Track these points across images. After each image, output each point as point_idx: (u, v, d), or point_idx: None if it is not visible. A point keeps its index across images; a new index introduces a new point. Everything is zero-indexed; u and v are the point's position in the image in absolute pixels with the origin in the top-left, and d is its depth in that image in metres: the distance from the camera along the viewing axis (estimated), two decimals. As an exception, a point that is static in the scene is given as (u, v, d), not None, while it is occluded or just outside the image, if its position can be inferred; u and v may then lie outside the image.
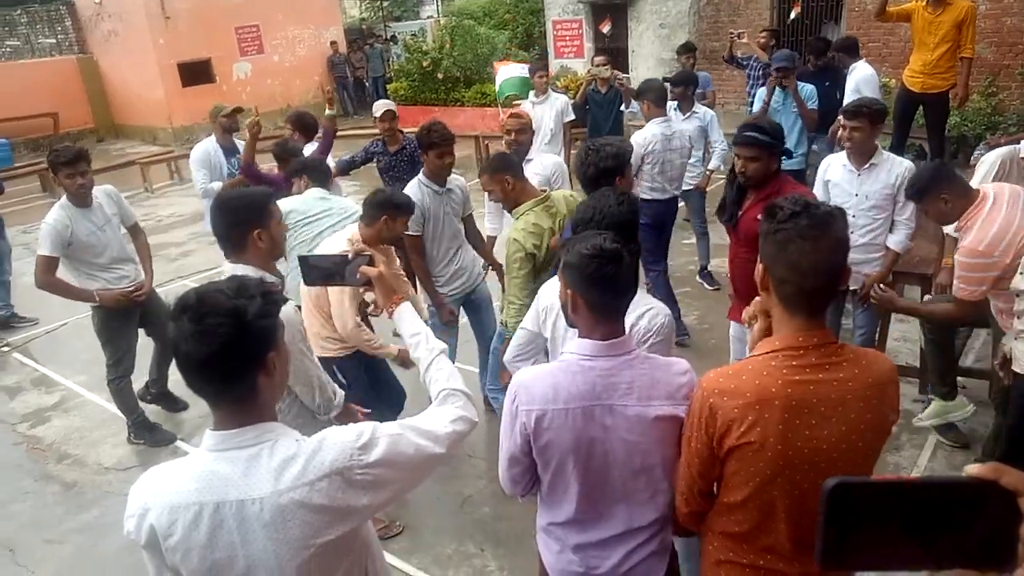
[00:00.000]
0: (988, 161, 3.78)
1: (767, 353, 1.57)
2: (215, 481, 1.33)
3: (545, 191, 3.64)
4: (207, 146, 5.50)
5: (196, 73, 15.28)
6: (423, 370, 1.76)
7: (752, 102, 7.29)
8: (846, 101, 6.15)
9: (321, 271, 2.02)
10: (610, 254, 1.71)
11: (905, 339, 4.82)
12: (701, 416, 1.60)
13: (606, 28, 12.02)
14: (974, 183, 3.61)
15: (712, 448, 1.60)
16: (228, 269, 2.45)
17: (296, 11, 16.88)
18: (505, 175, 3.37)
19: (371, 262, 1.92)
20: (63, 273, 4.14)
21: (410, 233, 3.88)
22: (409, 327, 1.83)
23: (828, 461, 1.53)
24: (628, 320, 1.93)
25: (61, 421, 4.96)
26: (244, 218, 2.43)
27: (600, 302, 1.73)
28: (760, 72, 7.21)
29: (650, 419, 1.74)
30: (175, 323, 1.31)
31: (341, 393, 2.75)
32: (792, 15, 9.76)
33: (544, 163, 4.53)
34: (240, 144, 5.64)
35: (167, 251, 8.44)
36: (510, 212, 3.45)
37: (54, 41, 17.10)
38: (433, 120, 4.15)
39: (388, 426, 1.48)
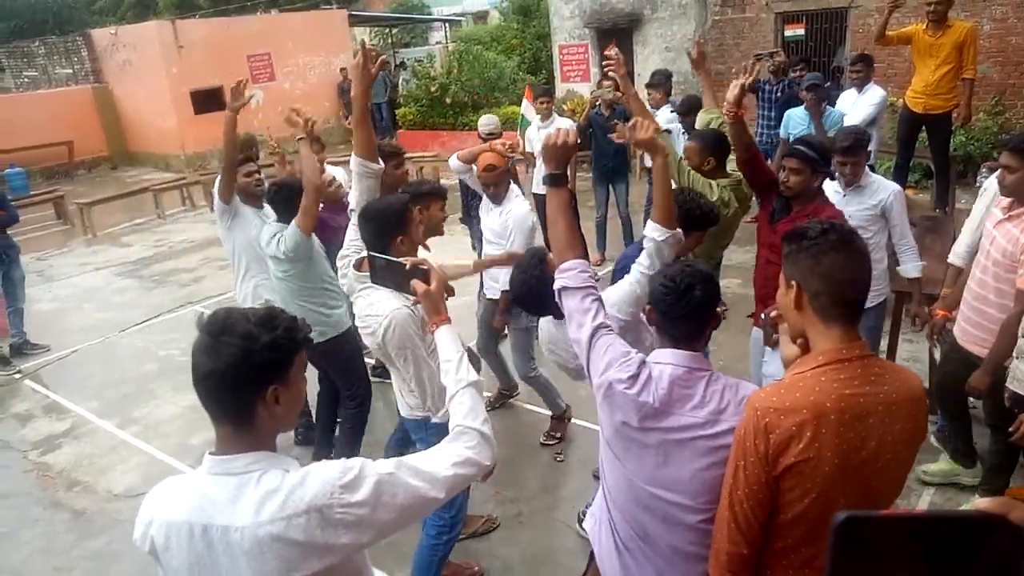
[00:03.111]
0: (992, 188, 3.74)
1: (814, 368, 1.59)
2: (206, 504, 1.37)
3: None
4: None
5: (208, 100, 15.51)
6: (447, 400, 1.74)
7: (761, 125, 7.28)
8: (854, 122, 6.18)
9: (383, 273, 2.04)
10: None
11: (915, 359, 4.79)
12: (756, 437, 1.59)
13: (612, 52, 12.15)
14: (979, 208, 3.61)
15: (767, 469, 1.58)
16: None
17: (307, 39, 17.17)
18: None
19: (426, 277, 1.87)
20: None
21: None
22: (445, 351, 1.80)
23: (874, 472, 1.57)
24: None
25: (71, 448, 4.99)
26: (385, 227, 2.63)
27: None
28: (778, 94, 7.15)
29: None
30: (199, 333, 1.38)
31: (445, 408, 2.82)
32: (788, 34, 9.83)
33: (514, 214, 4.18)
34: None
35: (179, 277, 8.54)
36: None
37: (70, 71, 17.45)
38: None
39: (381, 464, 1.46)
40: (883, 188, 3.74)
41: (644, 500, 1.93)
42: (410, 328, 2.69)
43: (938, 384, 3.64)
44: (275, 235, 3.85)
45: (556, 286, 2.05)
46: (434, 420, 2.86)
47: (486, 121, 6.23)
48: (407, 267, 1.89)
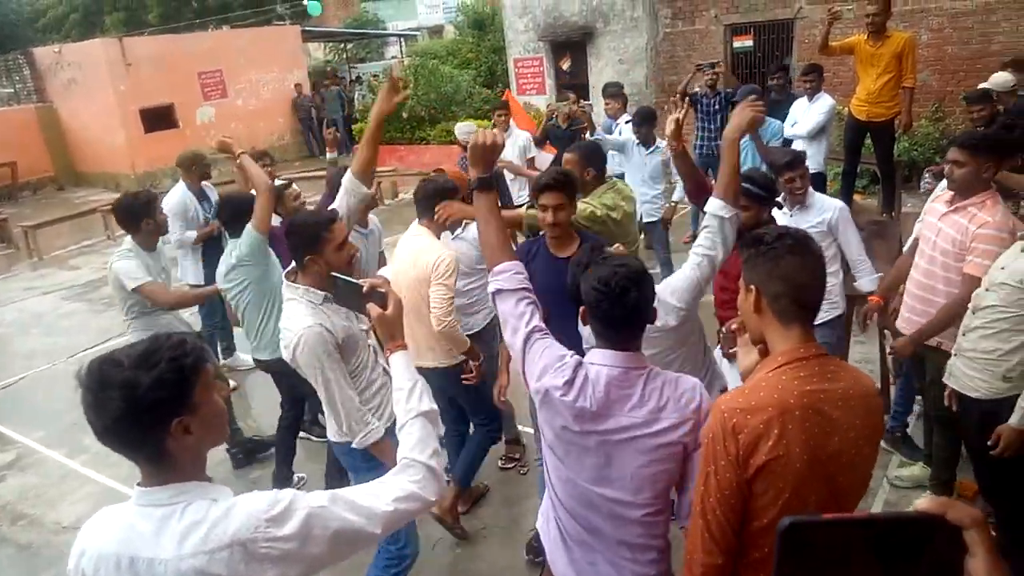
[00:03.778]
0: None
1: (775, 368, 1.62)
2: (133, 535, 1.34)
3: None
4: (181, 196, 5.44)
5: (158, 119, 15.21)
6: (397, 429, 1.68)
7: (701, 137, 7.35)
8: (806, 130, 6.33)
9: (342, 293, 2.02)
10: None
11: (866, 360, 4.90)
12: (725, 439, 1.58)
13: (565, 65, 12.29)
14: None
15: (738, 471, 1.58)
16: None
17: (260, 55, 16.96)
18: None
19: (383, 301, 1.81)
20: None
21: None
22: (398, 379, 1.75)
23: (840, 468, 1.59)
24: None
25: (16, 480, 4.79)
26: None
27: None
28: (716, 107, 7.26)
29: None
30: (81, 390, 1.32)
31: (376, 424, 2.74)
32: (737, 45, 10.06)
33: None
34: (208, 188, 5.64)
35: (129, 299, 8.31)
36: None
37: (12, 91, 16.95)
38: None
39: (314, 496, 1.40)
40: (827, 206, 3.81)
41: (588, 498, 1.93)
42: (319, 349, 2.59)
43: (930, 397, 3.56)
44: (230, 251, 3.76)
45: (490, 289, 2.04)
46: (354, 445, 2.73)
47: (465, 128, 6.24)
48: (364, 289, 1.85)
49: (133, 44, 15.37)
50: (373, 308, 1.80)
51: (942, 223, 3.20)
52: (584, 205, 3.51)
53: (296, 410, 4.23)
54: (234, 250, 3.77)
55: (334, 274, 2.11)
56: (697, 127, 7.38)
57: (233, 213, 3.83)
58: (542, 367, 1.90)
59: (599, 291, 1.83)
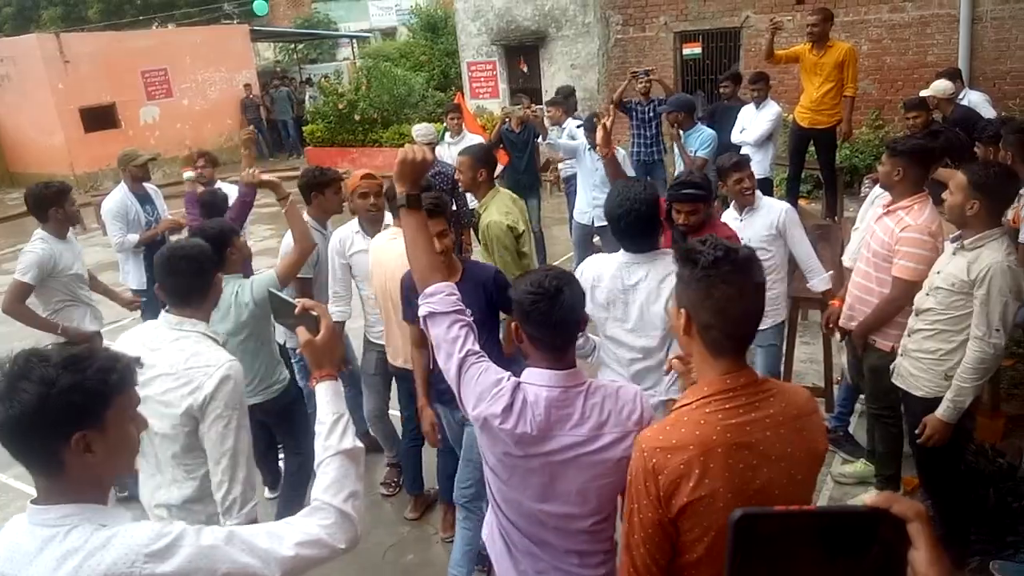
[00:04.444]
0: (876, 196, 3.93)
1: (699, 400, 1.55)
2: (17, 555, 1.28)
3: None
4: (122, 197, 5.26)
5: (99, 118, 14.73)
6: (315, 465, 1.57)
7: (637, 144, 7.34)
8: (753, 136, 6.48)
9: (278, 310, 1.95)
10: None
11: (811, 360, 5.03)
12: (646, 479, 1.53)
13: (525, 67, 12.38)
14: (870, 217, 3.82)
15: (661, 511, 1.53)
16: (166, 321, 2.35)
17: (206, 54, 16.58)
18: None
19: (315, 326, 1.69)
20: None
21: (301, 276, 3.71)
22: (322, 412, 1.62)
23: (771, 500, 1.51)
24: None
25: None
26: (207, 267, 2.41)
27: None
28: (650, 115, 7.24)
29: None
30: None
31: (254, 503, 2.27)
32: (687, 52, 10.23)
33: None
34: (151, 190, 5.46)
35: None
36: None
37: (-60, 87, 16.18)
38: (316, 165, 4.28)
39: (207, 533, 1.31)
40: (775, 208, 3.89)
41: (535, 515, 1.91)
42: (242, 388, 2.26)
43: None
44: (235, 291, 3.16)
45: (421, 312, 1.95)
46: (235, 522, 2.15)
47: (423, 129, 6.16)
48: (296, 312, 1.75)
49: (72, 40, 14.85)
50: (302, 332, 1.69)
51: (877, 225, 3.32)
52: (497, 219, 3.59)
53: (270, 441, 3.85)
54: (242, 297, 3.18)
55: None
56: (632, 134, 7.36)
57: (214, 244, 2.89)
58: (478, 394, 1.84)
59: (533, 294, 1.80)
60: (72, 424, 1.26)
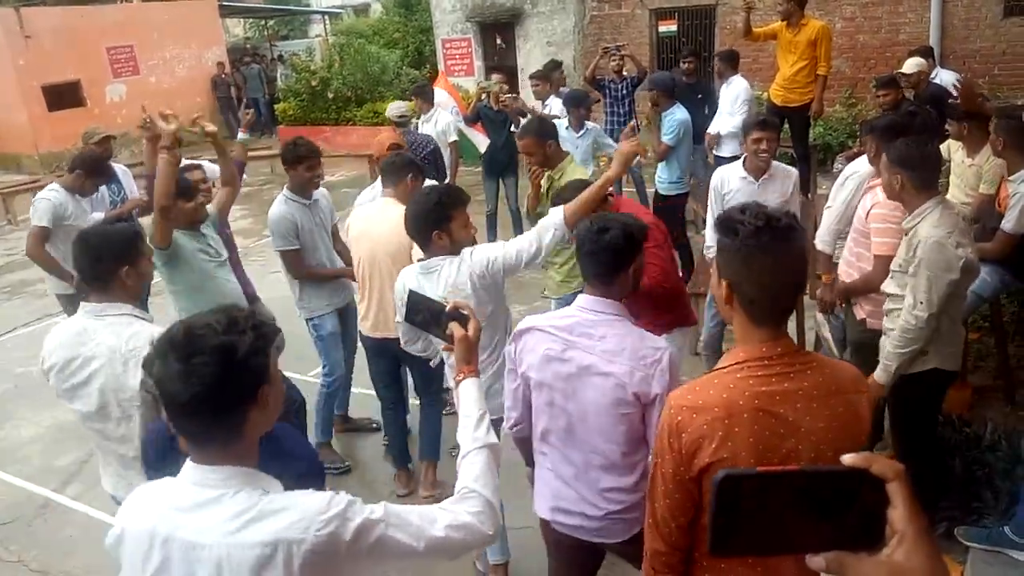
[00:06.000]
0: (860, 175, 3.75)
1: (733, 365, 1.54)
2: (174, 515, 1.30)
3: None
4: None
5: (64, 96, 14.30)
6: (460, 457, 1.62)
7: (610, 122, 7.30)
8: (721, 114, 6.51)
9: (420, 313, 1.93)
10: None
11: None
12: (670, 435, 1.54)
13: (502, 43, 12.24)
14: (842, 196, 3.83)
15: (682, 470, 1.53)
16: (88, 312, 2.29)
17: (174, 31, 16.15)
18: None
19: (465, 322, 1.78)
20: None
21: (287, 248, 3.88)
22: (466, 405, 1.69)
23: None
24: None
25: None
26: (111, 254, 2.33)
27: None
28: (623, 92, 7.23)
29: None
30: (160, 361, 1.27)
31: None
32: (662, 30, 10.20)
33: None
34: (119, 169, 5.30)
35: (35, 287, 7.84)
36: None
37: None
38: (296, 136, 4.27)
39: (370, 509, 1.35)
40: (790, 173, 3.84)
41: (571, 433, 2.18)
42: None
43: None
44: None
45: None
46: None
47: (397, 106, 6.29)
48: (447, 309, 1.81)
49: (32, 15, 14.35)
50: (457, 328, 1.77)
51: (861, 200, 3.37)
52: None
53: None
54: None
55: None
56: (606, 111, 7.38)
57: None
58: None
59: (587, 229, 2.14)
60: (258, 383, 1.30)
